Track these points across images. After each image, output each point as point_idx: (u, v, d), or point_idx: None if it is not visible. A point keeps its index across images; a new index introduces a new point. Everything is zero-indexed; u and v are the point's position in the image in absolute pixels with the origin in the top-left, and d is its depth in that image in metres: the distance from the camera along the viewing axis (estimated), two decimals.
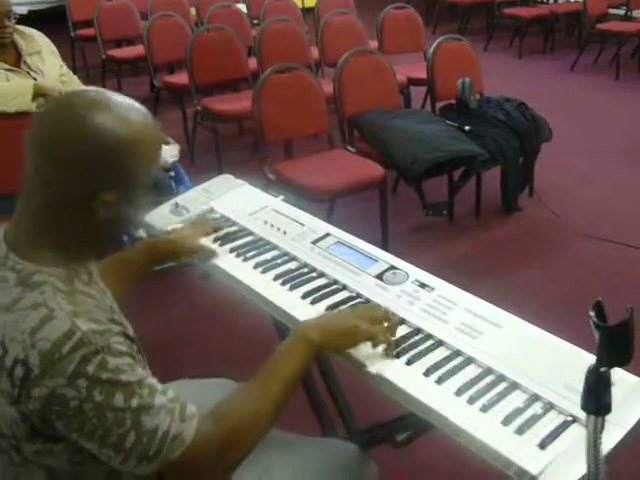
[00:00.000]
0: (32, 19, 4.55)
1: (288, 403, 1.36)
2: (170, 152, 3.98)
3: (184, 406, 1.21)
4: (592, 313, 0.97)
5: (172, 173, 3.93)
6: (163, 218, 2.15)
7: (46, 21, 5.39)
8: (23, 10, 7.93)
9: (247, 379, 1.38)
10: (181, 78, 5.53)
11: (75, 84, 3.79)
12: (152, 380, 1.20)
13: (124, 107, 1.22)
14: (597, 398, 1.00)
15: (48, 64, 3.68)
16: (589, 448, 1.01)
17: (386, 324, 1.49)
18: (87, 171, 1.18)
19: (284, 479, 1.59)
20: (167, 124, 4.63)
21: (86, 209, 1.21)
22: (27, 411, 1.14)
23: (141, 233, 3.94)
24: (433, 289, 1.66)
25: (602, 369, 0.99)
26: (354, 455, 1.71)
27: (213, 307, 3.37)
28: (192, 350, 3.12)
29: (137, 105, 1.26)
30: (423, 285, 1.68)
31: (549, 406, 1.32)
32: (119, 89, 6.37)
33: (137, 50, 6.42)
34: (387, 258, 1.81)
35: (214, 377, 1.92)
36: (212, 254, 1.92)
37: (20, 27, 3.65)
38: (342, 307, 1.65)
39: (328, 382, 2.24)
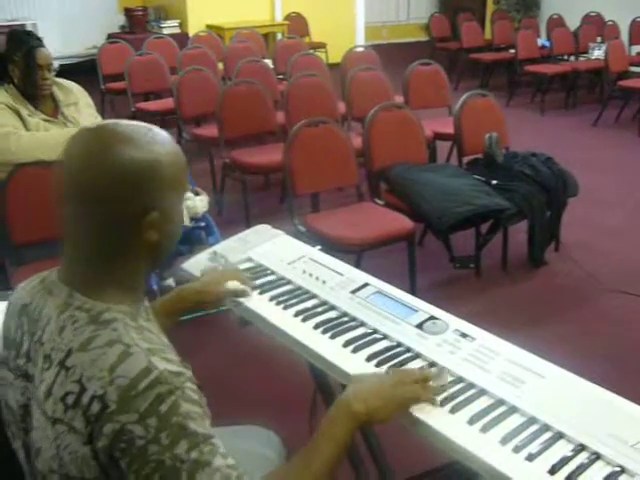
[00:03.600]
0: (63, 73, 4.67)
1: (334, 476, 1.34)
2: (200, 203, 4.04)
3: (241, 476, 1.17)
4: None
5: (202, 224, 3.98)
6: (201, 266, 2.17)
7: (77, 74, 5.51)
8: (55, 64, 8.11)
9: (279, 427, 1.37)
10: (209, 130, 5.63)
11: None
12: (216, 440, 1.17)
13: (150, 134, 1.27)
14: None
15: (84, 115, 3.76)
16: None
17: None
18: (126, 192, 1.21)
19: None
20: (195, 175, 4.69)
21: (133, 234, 1.24)
22: (97, 449, 1.13)
23: (170, 282, 4.00)
24: (474, 339, 1.67)
25: None
26: None
27: (248, 355, 3.39)
28: (227, 398, 3.13)
29: (160, 131, 1.30)
30: (464, 335, 1.69)
31: (596, 456, 1.33)
32: None
33: (166, 103, 6.54)
34: (427, 308, 1.82)
35: (247, 425, 1.93)
36: (244, 293, 1.92)
37: (58, 79, 3.76)
38: (383, 356, 1.67)
39: (365, 435, 2.25)
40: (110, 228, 1.23)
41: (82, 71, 7.53)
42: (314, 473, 1.30)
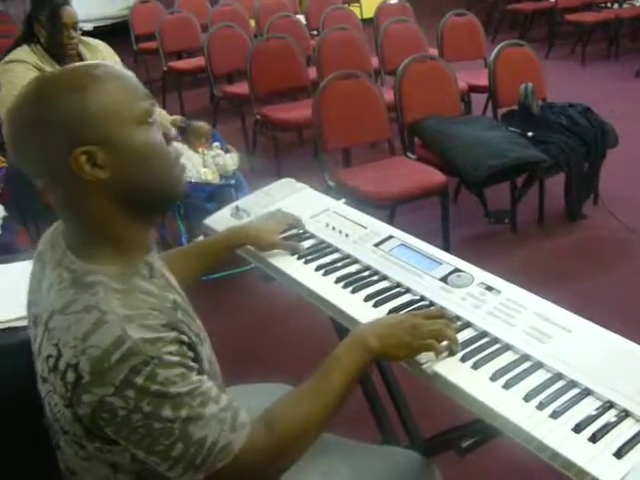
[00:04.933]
0: (97, 34, 4.64)
1: (342, 408, 1.32)
2: (231, 160, 4.00)
3: (236, 414, 1.18)
4: None
5: (232, 181, 3.95)
6: (224, 221, 2.14)
7: (111, 36, 5.48)
8: (89, 26, 8.12)
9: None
10: (241, 88, 5.58)
11: None
12: (207, 386, 1.16)
13: (79, 72, 1.19)
14: None
15: None
16: None
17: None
18: (51, 136, 1.14)
19: None
20: (227, 133, 4.66)
21: (76, 180, 1.15)
22: (79, 414, 1.14)
23: (201, 239, 3.99)
24: (500, 292, 1.60)
25: None
26: (417, 463, 1.67)
27: (274, 311, 3.37)
28: (251, 354, 3.12)
29: (93, 64, 1.21)
30: (489, 288, 1.62)
31: (624, 414, 1.26)
32: (179, 100, 6.49)
33: (197, 61, 6.51)
34: (451, 261, 1.76)
35: (270, 382, 1.90)
36: (295, 249, 1.88)
37: (85, 38, 3.71)
38: (405, 310, 1.61)
39: (390, 388, 2.21)
40: (56, 182, 1.18)
41: (116, 33, 7.50)
42: (325, 401, 1.28)
